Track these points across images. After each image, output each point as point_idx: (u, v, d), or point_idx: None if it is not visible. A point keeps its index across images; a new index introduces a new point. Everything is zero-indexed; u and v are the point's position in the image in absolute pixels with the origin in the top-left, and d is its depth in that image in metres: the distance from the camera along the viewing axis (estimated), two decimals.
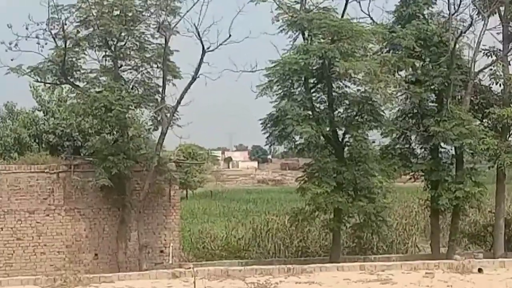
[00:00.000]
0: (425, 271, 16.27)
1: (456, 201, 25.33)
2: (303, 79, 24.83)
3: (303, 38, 24.90)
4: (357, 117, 25.58)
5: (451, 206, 25.87)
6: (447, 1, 26.53)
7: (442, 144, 26.22)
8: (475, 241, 30.43)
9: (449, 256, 24.60)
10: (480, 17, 26.25)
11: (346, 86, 25.39)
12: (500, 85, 27.21)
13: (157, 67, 25.34)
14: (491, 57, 27.19)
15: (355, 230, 27.28)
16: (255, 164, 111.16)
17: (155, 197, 25.66)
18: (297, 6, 25.13)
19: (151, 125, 27.08)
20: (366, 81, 23.95)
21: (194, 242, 31.13)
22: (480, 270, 16.36)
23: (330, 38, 24.02)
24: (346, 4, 25.77)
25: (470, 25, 26.27)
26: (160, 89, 25.44)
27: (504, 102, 26.47)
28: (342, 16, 25.35)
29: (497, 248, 26.72)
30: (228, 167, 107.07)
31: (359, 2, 26.83)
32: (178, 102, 24.83)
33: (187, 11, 24.17)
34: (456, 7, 26.64)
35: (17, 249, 24.23)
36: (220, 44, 24.28)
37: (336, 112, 25.74)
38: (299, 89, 25.22)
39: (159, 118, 25.50)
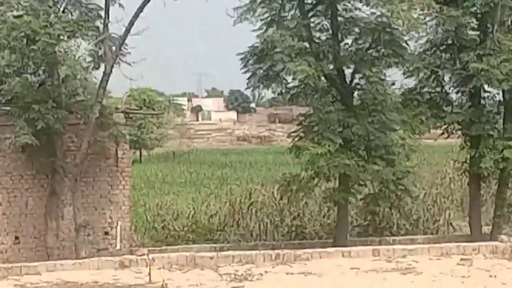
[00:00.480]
0: (460, 257, 16.02)
1: (504, 163, 22.90)
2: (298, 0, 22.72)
3: None
4: (371, 51, 22.74)
5: (497, 170, 23.49)
6: None
7: (485, 86, 23.66)
8: None
9: (493, 237, 22.61)
10: None
11: (356, 8, 22.58)
12: None
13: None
14: None
15: (368, 203, 24.48)
16: (233, 115, 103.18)
17: (97, 160, 22.88)
18: None
19: (90, 62, 23.09)
20: (383, 1, 21.15)
21: (151, 220, 28.10)
22: None
23: None
24: None
25: None
26: (102, 13, 22.04)
27: None
28: None
29: None
30: (197, 120, 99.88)
31: None
32: (128, 30, 21.89)
33: None
34: None
35: None
36: None
37: (343, 44, 22.96)
38: (292, 12, 22.64)
39: (101, 53, 22.43)
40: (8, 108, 22.05)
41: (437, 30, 24.17)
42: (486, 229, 24.24)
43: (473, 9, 23.23)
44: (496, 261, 16.00)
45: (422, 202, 28.80)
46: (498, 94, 24.23)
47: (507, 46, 22.23)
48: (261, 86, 23.36)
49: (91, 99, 22.33)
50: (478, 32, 23.76)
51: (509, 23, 23.83)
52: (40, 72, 23.21)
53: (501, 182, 24.57)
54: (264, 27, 22.07)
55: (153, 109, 46.73)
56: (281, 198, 26.49)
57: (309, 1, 22.95)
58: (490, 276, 14.26)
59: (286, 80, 22.70)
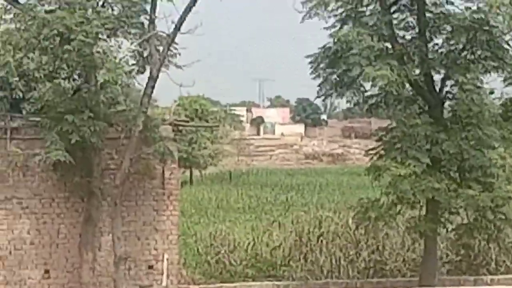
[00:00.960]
0: None
1: None
2: None
3: None
4: (465, 53, 21.26)
5: None
6: None
7: None
8: None
9: None
10: None
11: (448, 2, 21.11)
12: None
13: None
14: None
15: (461, 235, 22.46)
16: (301, 128, 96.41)
17: (141, 181, 21.48)
18: None
19: (133, 64, 21.80)
20: None
21: (203, 253, 26.62)
22: None
23: None
24: None
25: None
26: (148, 7, 20.93)
27: None
28: None
29: None
30: (258, 134, 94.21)
31: None
32: (177, 28, 20.55)
33: None
34: None
35: None
36: None
37: (432, 44, 21.35)
38: (371, 7, 21.32)
39: (146, 54, 21.29)
40: (38, 119, 20.72)
41: None
42: None
43: None
44: None
45: (488, 240, 25.59)
46: None
47: None
48: (334, 94, 22.16)
49: (134, 109, 20.97)
50: None
51: None
52: (75, 76, 21.79)
53: None
54: (338, 25, 20.81)
55: (207, 121, 44.64)
56: (356, 228, 24.59)
57: None
58: None
59: (364, 88, 21.28)
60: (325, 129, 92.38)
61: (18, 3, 20.99)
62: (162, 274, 20.89)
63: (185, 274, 23.77)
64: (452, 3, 20.89)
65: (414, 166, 19.14)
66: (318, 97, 23.82)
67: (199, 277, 24.57)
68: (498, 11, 18.93)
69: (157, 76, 20.43)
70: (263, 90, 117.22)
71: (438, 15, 20.93)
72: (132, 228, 21.03)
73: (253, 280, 24.22)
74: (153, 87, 20.64)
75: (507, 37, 20.45)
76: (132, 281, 20.26)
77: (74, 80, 21.73)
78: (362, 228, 23.65)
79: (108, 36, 20.63)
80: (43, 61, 21.62)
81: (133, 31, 20.63)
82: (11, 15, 21.95)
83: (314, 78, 21.46)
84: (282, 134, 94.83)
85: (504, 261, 24.88)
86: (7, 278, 20.20)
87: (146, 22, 20.72)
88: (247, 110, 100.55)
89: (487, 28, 19.78)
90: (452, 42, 20.95)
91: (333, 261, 24.95)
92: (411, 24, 21.24)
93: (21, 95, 23.27)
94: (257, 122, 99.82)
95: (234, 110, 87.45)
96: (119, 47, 21.76)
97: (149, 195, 21.28)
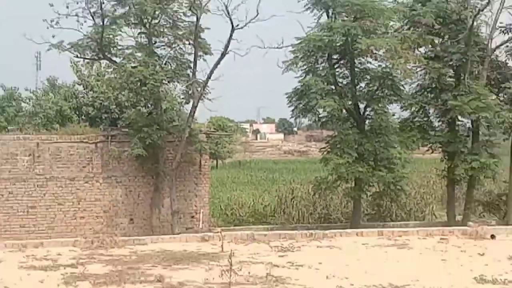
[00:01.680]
0: (440, 237, 18.18)
1: (471, 171, 27.33)
2: (326, 55, 27.26)
3: (327, 16, 27.13)
4: (378, 92, 27.80)
5: (466, 176, 28.01)
6: None
7: (459, 117, 28.06)
8: (489, 210, 31.46)
9: (463, 223, 26.09)
10: None
11: (367, 62, 27.80)
12: None
13: (189, 44, 27.24)
14: (508, 34, 28.88)
15: (375, 199, 29.85)
16: (281, 136, 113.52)
17: (187, 166, 27.68)
18: None
19: (183, 98, 29.51)
20: (387, 57, 26.46)
21: (223, 208, 32.63)
22: (492, 237, 18.47)
23: (353, 16, 26.32)
24: None
25: (488, 3, 27.66)
26: (192, 65, 27.37)
27: None
28: None
29: (511, 216, 28.39)
30: (256, 139, 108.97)
31: None
32: (209, 77, 27.18)
33: None
34: None
35: (59, 213, 26.45)
36: (248, 22, 26.28)
37: (358, 86, 28.15)
38: (322, 64, 27.79)
39: (190, 92, 27.54)
40: (127, 130, 27.62)
41: (424, 78, 28.85)
42: (458, 217, 28.94)
43: (450, 63, 28.16)
44: (465, 240, 17.92)
45: (413, 198, 33.29)
46: (468, 122, 28.72)
47: (474, 89, 26.61)
48: (301, 116, 28.90)
49: (183, 124, 27.67)
50: (454, 79, 28.40)
51: (476, 73, 28.12)
52: (149, 105, 28.57)
53: (469, 185, 29.13)
54: (303, 75, 27.40)
55: (226, 131, 47.94)
56: (314, 194, 31.33)
57: (335, 57, 27.54)
58: (461, 251, 16.22)
59: (319, 112, 27.75)
60: (295, 136, 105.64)
61: (115, 62, 27.65)
62: (199, 221, 27.64)
63: (213, 221, 29.78)
64: (370, 63, 27.57)
65: (347, 158, 25.97)
66: (292, 117, 30.63)
67: (221, 223, 30.48)
68: (397, 67, 26.12)
69: (197, 106, 27.57)
70: (259, 113, 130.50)
71: (362, 70, 28.02)
72: (182, 194, 27.62)
73: (253, 225, 30.49)
74: (194, 112, 27.83)
75: (402, 83, 27.88)
76: (181, 226, 26.45)
77: (147, 107, 28.29)
78: (317, 194, 30.62)
79: (168, 81, 28.14)
80: (130, 96, 28.92)
81: (182, 79, 27.65)
82: (111, 69, 28.46)
83: (289, 106, 28.30)
84: (267, 139, 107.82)
85: (400, 213, 32.40)
86: (108, 223, 26.71)
87: (191, 74, 27.60)
88: (249, 125, 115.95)
89: (391, 77, 27.09)
90: (370, 85, 28.30)
91: (300, 214, 31.96)
92: (346, 75, 28.41)
93: (117, 116, 29.94)
94: (256, 132, 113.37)
95: (242, 125, 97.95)
96: (175, 88, 29.24)
97: (191, 175, 28.17)
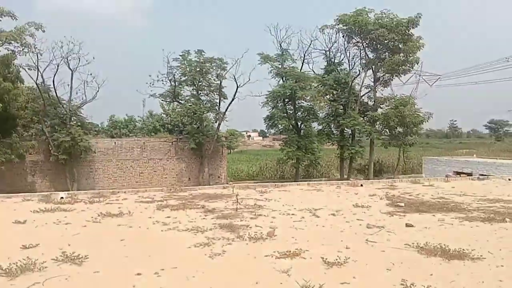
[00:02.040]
0: (336, 185, 17.51)
1: (351, 154, 28.07)
2: (282, 99, 27.48)
3: (283, 80, 27.44)
4: (307, 116, 28.26)
5: (349, 157, 28.56)
6: (348, 62, 29.29)
7: (345, 129, 28.57)
8: (360, 172, 32.30)
9: (347, 179, 27.21)
10: (363, 70, 28.92)
11: (302, 103, 28.17)
12: (372, 101, 29.78)
13: (216, 94, 27.58)
14: (368, 88, 29.81)
15: (306, 167, 30.00)
16: (261, 138, 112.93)
17: (216, 153, 27.93)
18: (280, 65, 27.53)
19: (213, 120, 28.95)
20: (311, 100, 27.00)
21: (233, 172, 32.51)
22: (361, 185, 17.78)
23: (295, 80, 26.53)
24: (302, 65, 28.24)
25: (358, 74, 28.83)
26: (218, 104, 27.87)
27: (374, 109, 28.99)
28: (300, 69, 27.88)
29: (370, 176, 29.31)
30: (249, 139, 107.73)
31: (308, 64, 29.15)
32: (226, 110, 27.58)
33: (230, 68, 26.82)
34: (352, 65, 29.27)
35: (154, 175, 26.39)
36: (244, 84, 26.72)
37: (298, 114, 28.45)
38: (280, 103, 27.98)
39: (217, 117, 27.87)
40: (187, 135, 27.40)
41: (329, 110, 28.88)
42: (346, 176, 29.15)
43: (341, 103, 28.46)
44: (348, 187, 16.89)
45: (324, 167, 33.37)
46: (350, 131, 28.93)
47: (352, 115, 27.17)
48: (270, 128, 29.12)
49: (213, 133, 27.47)
50: (343, 110, 28.51)
51: (353, 107, 28.31)
52: (198, 123, 27.43)
53: (350, 161, 29.37)
54: (271, 109, 27.83)
55: (234, 136, 47.05)
56: (277, 165, 31.65)
57: (286, 100, 27.46)
58: (346, 192, 15.18)
59: (279, 126, 27.94)
60: (268, 138, 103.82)
61: (181, 102, 27.30)
62: (222, 179, 27.81)
63: (228, 179, 29.86)
64: (303, 103, 27.61)
65: (292, 149, 26.58)
66: (266, 128, 31.41)
67: (232, 180, 30.59)
68: (317, 104, 26.70)
69: (220, 124, 27.58)
70: (251, 126, 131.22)
71: (299, 106, 28.10)
72: (213, 166, 28.04)
73: (247, 180, 30.45)
74: (219, 126, 27.72)
75: (318, 112, 28.10)
76: (213, 181, 26.83)
77: (196, 124, 27.30)
78: (279, 165, 30.92)
79: (206, 112, 27.49)
80: (186, 120, 28.32)
81: (213, 111, 27.61)
82: (179, 106, 28.08)
83: (265, 124, 28.69)
84: (249, 138, 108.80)
85: (317, 175, 32.60)
86: (178, 180, 26.13)
87: (217, 108, 27.35)
88: (246, 132, 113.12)
89: (313, 110, 27.54)
90: (304, 113, 28.22)
91: (270, 175, 32.91)
92: (291, 109, 28.10)
93: (182, 128, 29.55)
94: (249, 136, 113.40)
95: (243, 132, 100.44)
96: (209, 115, 28.25)
97: (218, 157, 28.48)
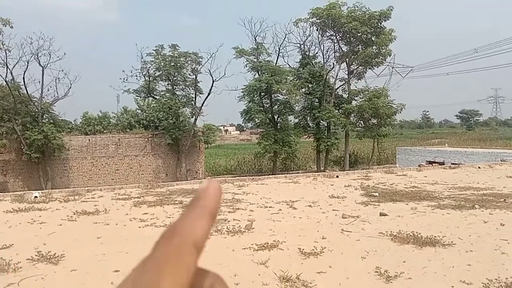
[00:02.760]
0: (313, 177, 17.48)
1: (327, 146, 28.20)
2: (258, 93, 27.21)
3: (258, 74, 27.20)
4: (283, 110, 27.98)
5: (325, 149, 28.67)
6: (322, 55, 29.47)
7: (321, 121, 28.65)
8: (336, 164, 32.06)
9: (324, 170, 26.65)
10: (337, 63, 29.01)
11: (278, 96, 27.93)
12: (346, 94, 29.85)
13: (192, 89, 27.28)
14: (342, 81, 29.85)
15: (283, 160, 29.62)
16: (238, 132, 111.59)
17: (193, 148, 27.55)
18: (255, 59, 27.33)
19: (190, 115, 28.64)
20: (287, 93, 26.82)
21: (211, 167, 31.83)
22: (337, 176, 17.84)
23: (270, 74, 26.33)
24: (277, 58, 28.06)
25: (333, 67, 29.01)
26: (194, 99, 27.51)
27: (348, 101, 29.03)
28: (276, 63, 27.72)
29: (345, 167, 29.15)
30: (226, 134, 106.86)
31: (283, 58, 29.35)
32: (202, 105, 27.35)
33: (205, 63, 26.81)
34: (326, 58, 29.42)
35: (130, 172, 26.28)
36: (220, 78, 26.70)
37: (274, 107, 28.11)
38: (257, 97, 27.62)
39: (193, 112, 27.60)
40: (163, 131, 27.01)
41: (305, 103, 28.85)
42: (322, 168, 29.04)
43: (316, 96, 28.25)
44: (324, 178, 16.92)
45: (301, 160, 32.86)
46: (325, 124, 28.82)
47: (327, 108, 27.25)
48: (247, 122, 28.41)
49: (190, 128, 27.12)
50: (318, 103, 28.49)
51: (328, 100, 28.46)
52: (174, 119, 26.89)
53: (326, 152, 29.43)
54: (247, 103, 27.26)
55: (211, 130, 49.16)
56: (254, 159, 30.93)
57: (262, 94, 27.17)
58: (322, 183, 15.30)
59: (255, 120, 27.44)
60: (245, 131, 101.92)
61: (156, 98, 26.75)
62: (200, 173, 27.33)
63: (206, 173, 29.04)
64: (279, 96, 27.23)
65: (270, 142, 26.33)
66: (243, 123, 30.43)
67: (210, 174, 30.22)
68: (292, 98, 26.48)
69: (197, 118, 27.21)
70: (227, 121, 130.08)
71: (275, 100, 27.65)
72: (191, 161, 27.32)
73: (225, 175, 29.60)
74: (196, 120, 27.34)
75: (294, 105, 27.68)
76: (190, 177, 26.11)
77: (173, 120, 26.73)
78: (256, 159, 30.27)
79: (182, 107, 27.02)
80: (162, 116, 28.30)
81: (189, 105, 27.24)
82: (154, 101, 27.65)
83: (242, 118, 27.91)
84: (226, 132, 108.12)
85: (294, 167, 31.94)
86: (155, 176, 25.75)
87: (193, 103, 26.94)
88: (223, 127, 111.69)
89: (289, 103, 27.15)
90: (280, 107, 27.84)
91: (248, 168, 32.22)
92: (268, 103, 27.69)
93: (157, 124, 29.56)
94: (226, 130, 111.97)
95: (219, 127, 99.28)
96: (185, 110, 27.87)
97: (195, 152, 27.70)
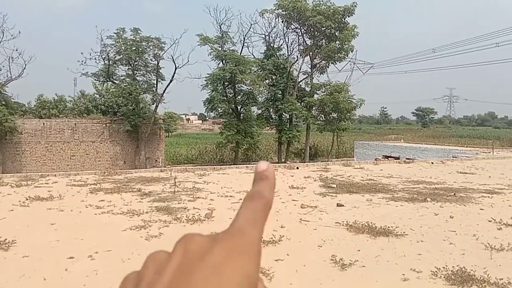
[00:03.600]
0: (274, 168, 19.69)
1: (289, 138, 28.60)
2: (222, 82, 27.09)
3: (223, 63, 27.12)
4: (247, 100, 28.13)
5: (286, 140, 29.13)
6: (287, 47, 29.70)
7: (283, 113, 28.92)
8: (296, 156, 32.41)
9: (285, 162, 27.06)
10: (301, 56, 29.19)
11: (242, 86, 27.99)
12: (309, 87, 30.17)
13: (154, 75, 26.73)
14: (305, 74, 30.07)
15: (245, 151, 29.96)
16: (200, 121, 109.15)
17: (153, 136, 27.10)
18: (220, 48, 27.18)
19: (150, 102, 28.14)
20: (251, 84, 26.88)
21: (172, 156, 31.25)
22: (297, 168, 18.22)
23: (235, 63, 26.28)
24: (242, 48, 28.03)
25: (297, 60, 29.27)
26: (155, 85, 26.94)
27: (310, 95, 29.34)
28: (240, 53, 27.66)
29: (306, 159, 29.40)
30: (188, 122, 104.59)
31: (248, 48, 30.09)
32: (163, 92, 26.87)
33: (168, 49, 26.73)
34: (291, 51, 29.67)
35: (87, 158, 25.60)
36: (183, 65, 26.62)
37: (237, 98, 28.18)
38: (220, 87, 27.48)
39: (154, 99, 27.06)
40: (122, 117, 26.28)
41: (268, 94, 28.87)
42: (283, 160, 29.35)
43: (280, 88, 28.44)
44: (285, 170, 17.09)
45: (263, 151, 33.12)
46: (288, 116, 29.15)
47: (290, 100, 27.38)
48: (209, 111, 28.67)
49: (150, 115, 26.52)
50: (281, 95, 28.66)
51: (291, 92, 28.46)
52: (133, 105, 26.06)
53: (288, 144, 29.84)
54: (210, 92, 27.00)
55: (172, 119, 47.54)
56: (216, 148, 30.61)
57: (226, 84, 27.07)
58: (283, 175, 15.22)
59: (218, 110, 27.43)
60: (208, 121, 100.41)
61: (115, 83, 26.25)
62: (160, 162, 26.79)
63: (166, 162, 28.47)
64: (243, 87, 27.33)
65: (232, 132, 26.38)
66: (205, 112, 31.17)
67: (170, 163, 29.62)
68: (256, 89, 26.56)
69: (158, 105, 26.61)
70: (190, 110, 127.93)
71: (239, 90, 27.75)
72: (151, 149, 26.76)
73: (186, 163, 29.23)
74: (156, 108, 26.69)
75: (258, 96, 27.71)
76: (150, 165, 25.58)
77: (132, 106, 25.95)
78: (218, 149, 30.31)
79: (143, 93, 26.50)
80: (121, 101, 27.44)
81: (150, 92, 26.67)
82: (114, 86, 26.99)
83: (204, 107, 27.42)
84: (188, 121, 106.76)
85: (256, 158, 31.10)
86: (112, 163, 25.30)
87: (155, 89, 26.38)
88: (185, 116, 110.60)
89: (252, 94, 27.46)
90: (244, 97, 27.90)
91: (209, 158, 31.94)
92: (231, 92, 27.56)
93: (116, 110, 28.64)
94: (188, 119, 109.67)
95: (181, 116, 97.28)
96: (146, 96, 27.47)
97: (155, 140, 27.08)
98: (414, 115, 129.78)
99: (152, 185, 12.73)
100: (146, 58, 26.48)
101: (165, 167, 23.50)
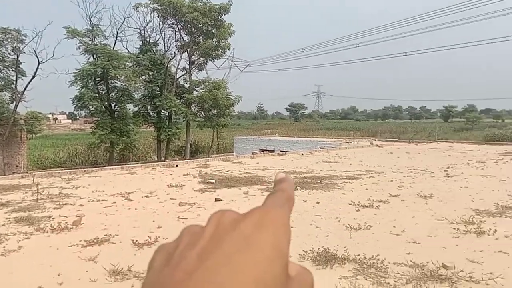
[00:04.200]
0: (152, 167, 17.32)
1: (168, 136, 27.83)
2: (93, 78, 25.18)
3: (93, 58, 25.30)
4: (121, 97, 26.51)
5: (166, 138, 28.29)
6: (163, 43, 28.88)
7: (162, 110, 27.90)
8: (177, 154, 31.82)
9: (165, 160, 26.28)
10: (179, 52, 28.74)
11: (116, 83, 26.34)
12: (188, 84, 29.81)
13: (13, 70, 24.24)
14: (184, 71, 29.60)
15: (121, 150, 28.06)
16: (70, 121, 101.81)
17: (13, 138, 24.49)
18: (90, 42, 25.30)
19: (9, 101, 24.86)
20: (126, 80, 25.60)
21: (36, 160, 28.30)
22: (176, 166, 18.07)
23: (107, 58, 24.72)
24: (115, 42, 26.48)
25: (174, 56, 28.56)
26: (14, 82, 24.35)
27: (190, 91, 29.10)
28: (113, 47, 26.14)
29: (186, 156, 29.07)
30: (55, 122, 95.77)
31: (121, 42, 28.96)
32: (24, 89, 24.25)
33: (30, 41, 23.87)
34: (168, 47, 28.93)
35: None
36: (47, 60, 24.01)
37: (111, 94, 26.37)
38: (91, 83, 25.52)
39: (14, 97, 24.52)
40: None
41: (145, 91, 27.61)
42: (163, 158, 27.83)
43: (157, 84, 27.31)
44: (164, 168, 16.50)
45: (141, 150, 30.95)
46: (167, 113, 27.82)
47: (169, 97, 26.66)
48: (79, 110, 26.35)
49: (9, 115, 23.60)
50: (159, 92, 27.47)
51: (170, 89, 27.73)
52: None
53: (167, 142, 28.74)
54: (80, 88, 24.83)
55: (37, 119, 41.72)
56: (88, 150, 28.01)
57: (98, 80, 25.18)
58: (162, 173, 14.81)
59: (90, 108, 25.43)
60: (78, 120, 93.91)
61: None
62: (21, 167, 23.89)
63: (29, 167, 25.68)
64: (117, 83, 25.48)
65: (105, 131, 24.72)
66: (75, 110, 27.32)
67: (35, 168, 26.01)
68: (131, 85, 25.24)
69: (18, 104, 23.73)
70: (57, 108, 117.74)
71: (112, 86, 25.81)
72: (10, 154, 23.80)
73: (53, 168, 25.93)
74: (17, 106, 23.73)
75: (134, 93, 26.44)
76: (8, 172, 22.67)
77: None
78: (91, 150, 27.37)
79: (0, 90, 23.53)
80: None
81: (9, 89, 23.75)
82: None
83: (73, 105, 25.37)
84: (55, 121, 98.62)
85: (134, 158, 29.41)
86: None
87: (14, 87, 23.76)
88: (52, 115, 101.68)
89: (128, 91, 25.75)
90: (118, 94, 25.91)
91: (80, 161, 28.50)
92: (104, 89, 25.59)
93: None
94: (55, 119, 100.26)
95: (47, 115, 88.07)
96: (4, 94, 24.10)
97: (16, 143, 24.10)
98: (287, 111, 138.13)
99: (11, 193, 11.47)
100: (4, 52, 23.96)
101: (27, 172, 21.55)
